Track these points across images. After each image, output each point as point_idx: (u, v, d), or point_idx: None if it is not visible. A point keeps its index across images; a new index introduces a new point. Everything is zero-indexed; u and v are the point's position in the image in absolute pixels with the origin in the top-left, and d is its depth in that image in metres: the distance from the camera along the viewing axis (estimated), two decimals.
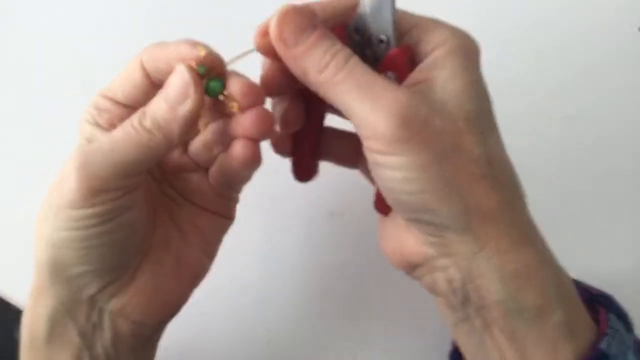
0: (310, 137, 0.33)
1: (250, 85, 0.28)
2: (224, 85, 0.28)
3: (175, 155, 0.32)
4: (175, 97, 0.26)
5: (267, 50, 0.27)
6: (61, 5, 0.52)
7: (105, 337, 0.29)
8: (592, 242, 0.43)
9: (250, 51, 0.28)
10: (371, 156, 0.26)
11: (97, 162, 0.26)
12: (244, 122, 0.28)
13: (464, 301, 0.27)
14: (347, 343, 0.41)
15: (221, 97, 0.28)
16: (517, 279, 0.26)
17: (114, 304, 0.29)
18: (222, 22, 0.50)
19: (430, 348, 0.41)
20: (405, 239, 0.28)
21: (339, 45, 0.26)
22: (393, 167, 0.25)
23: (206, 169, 0.32)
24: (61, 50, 0.50)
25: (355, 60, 0.26)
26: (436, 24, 0.28)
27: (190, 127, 0.27)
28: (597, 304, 0.29)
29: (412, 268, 0.29)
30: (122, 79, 0.29)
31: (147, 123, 0.27)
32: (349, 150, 0.33)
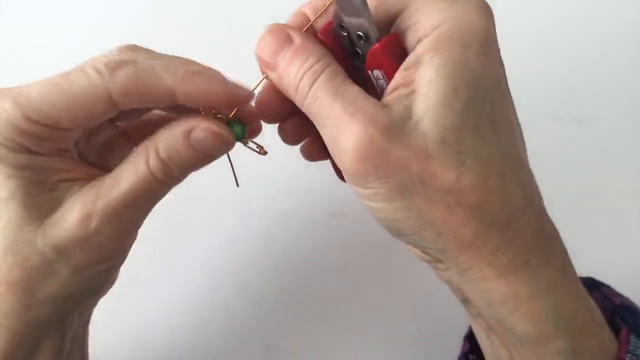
0: None
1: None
2: (243, 129, 0.27)
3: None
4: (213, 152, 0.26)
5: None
6: (61, 6, 0.52)
7: None
8: (600, 243, 0.43)
9: (262, 80, 0.27)
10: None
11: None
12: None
13: (465, 301, 0.27)
14: (348, 344, 0.41)
15: (245, 142, 0.28)
16: (504, 305, 0.24)
17: None
18: (221, 23, 0.50)
19: (431, 348, 0.41)
20: None
21: (310, 62, 0.24)
22: (361, 196, 0.25)
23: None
24: (61, 51, 0.50)
25: (322, 79, 0.24)
26: (428, 2, 0.23)
27: None
28: (620, 318, 0.27)
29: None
30: (69, 106, 0.24)
31: (174, 174, 0.26)
32: None
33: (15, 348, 0.26)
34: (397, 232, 0.25)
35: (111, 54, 0.26)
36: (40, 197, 0.25)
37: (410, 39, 0.24)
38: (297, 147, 0.32)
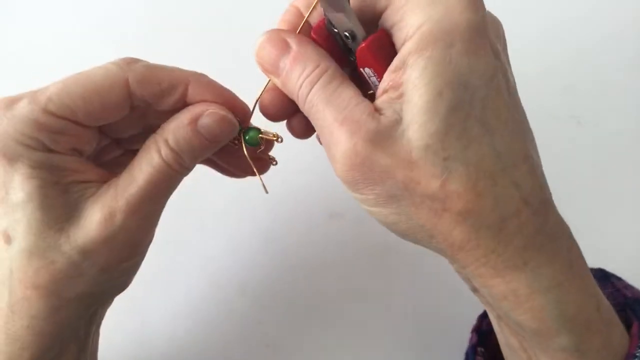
0: None
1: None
2: (258, 133, 0.28)
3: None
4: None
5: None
6: (61, 6, 0.52)
7: None
8: (600, 243, 0.43)
9: (267, 83, 0.27)
10: None
11: None
12: None
13: (474, 290, 0.27)
14: (348, 344, 0.41)
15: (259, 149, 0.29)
16: (505, 300, 0.24)
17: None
18: (221, 23, 0.50)
19: (431, 348, 0.41)
20: None
21: (308, 69, 0.24)
22: (356, 199, 0.25)
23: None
24: (61, 51, 0.50)
25: (317, 87, 0.24)
26: None
27: None
28: (632, 311, 0.27)
29: None
30: (85, 95, 0.25)
31: (185, 163, 0.27)
32: None
33: (45, 350, 0.26)
34: (397, 233, 0.26)
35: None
36: (56, 200, 0.25)
37: (397, 37, 0.23)
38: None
